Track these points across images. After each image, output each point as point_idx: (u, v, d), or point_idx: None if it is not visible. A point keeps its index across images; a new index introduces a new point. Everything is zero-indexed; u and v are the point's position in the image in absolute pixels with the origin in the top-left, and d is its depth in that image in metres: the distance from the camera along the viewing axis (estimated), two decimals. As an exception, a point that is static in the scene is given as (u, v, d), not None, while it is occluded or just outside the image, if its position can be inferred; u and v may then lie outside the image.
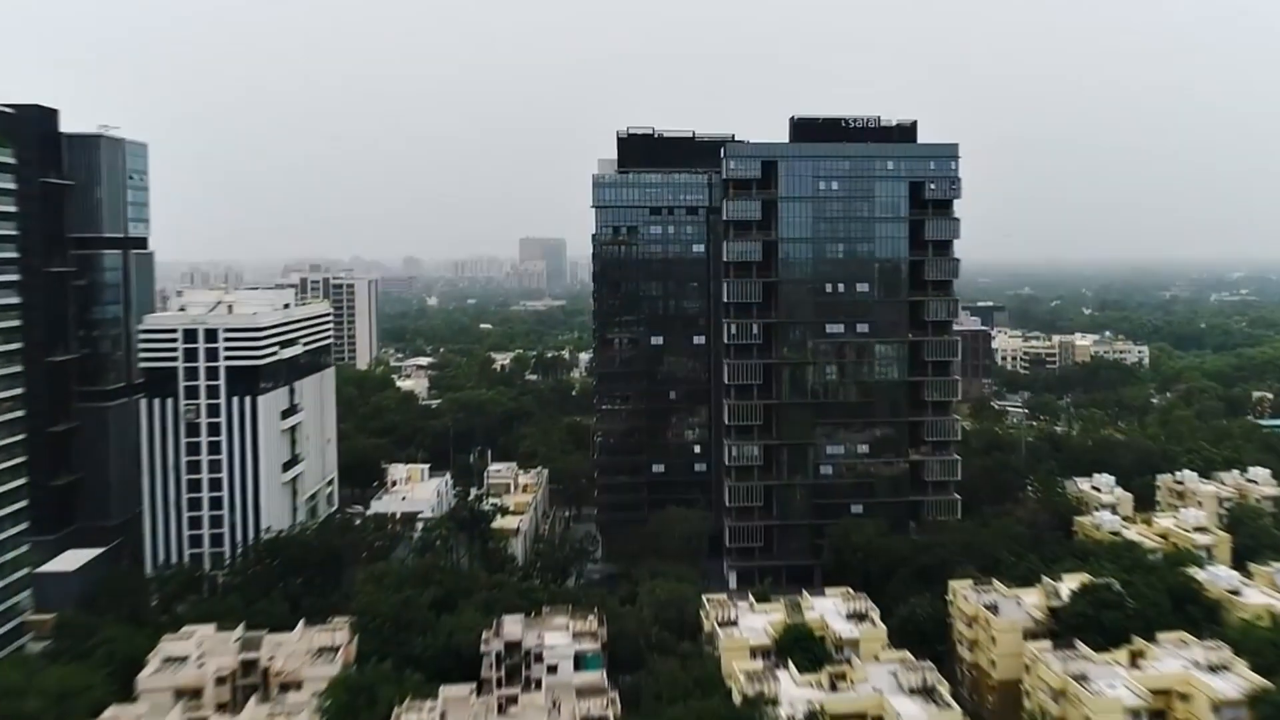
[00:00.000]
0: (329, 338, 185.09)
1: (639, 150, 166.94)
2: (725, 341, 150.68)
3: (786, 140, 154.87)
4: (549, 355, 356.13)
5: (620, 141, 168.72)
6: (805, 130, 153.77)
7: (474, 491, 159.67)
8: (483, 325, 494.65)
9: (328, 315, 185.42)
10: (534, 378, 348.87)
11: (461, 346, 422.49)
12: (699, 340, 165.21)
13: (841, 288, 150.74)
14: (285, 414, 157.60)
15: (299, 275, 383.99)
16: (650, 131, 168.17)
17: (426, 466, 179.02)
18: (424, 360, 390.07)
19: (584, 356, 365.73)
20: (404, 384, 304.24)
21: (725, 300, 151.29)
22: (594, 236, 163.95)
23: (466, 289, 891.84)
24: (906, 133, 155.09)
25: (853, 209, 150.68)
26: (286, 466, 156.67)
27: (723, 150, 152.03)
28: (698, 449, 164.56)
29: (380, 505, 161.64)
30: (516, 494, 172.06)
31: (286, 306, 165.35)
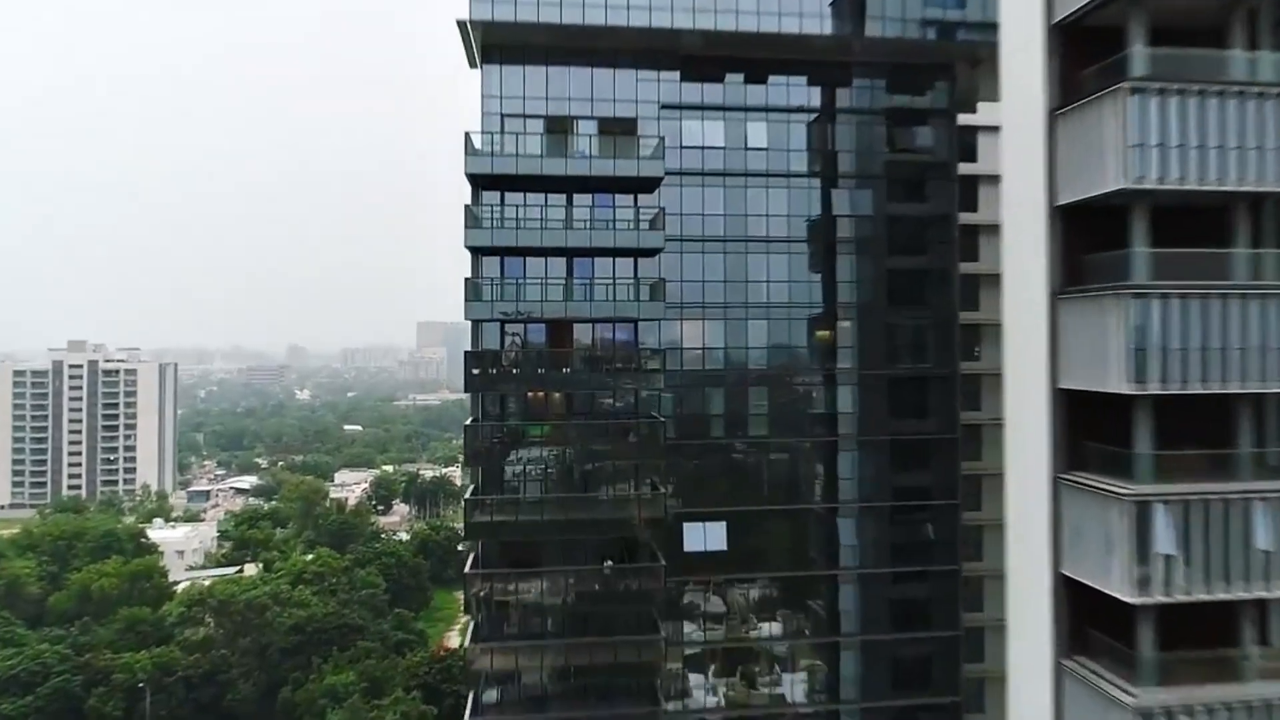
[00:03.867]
0: None
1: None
2: None
3: None
4: (427, 476, 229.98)
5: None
6: None
7: None
8: (349, 427, 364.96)
9: None
10: (405, 509, 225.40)
11: (312, 458, 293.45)
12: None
13: None
14: None
15: (53, 358, 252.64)
16: None
17: None
18: (246, 482, 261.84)
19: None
20: (166, 536, 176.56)
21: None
22: (470, 157, 43.75)
23: (351, 380, 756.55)
24: None
25: None
26: None
27: None
28: None
29: None
30: None
31: None
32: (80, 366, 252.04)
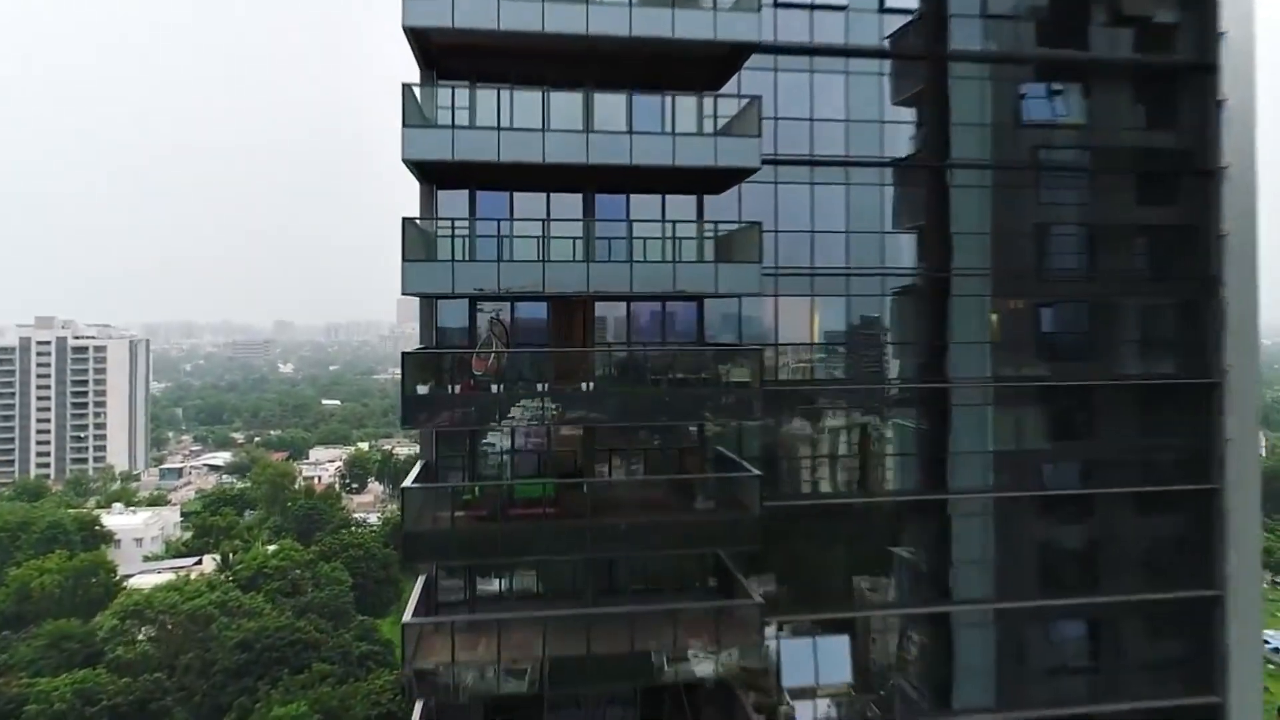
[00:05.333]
0: None
1: None
2: None
3: None
4: (402, 455, 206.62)
5: None
6: None
7: None
8: (327, 401, 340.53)
9: None
10: (379, 488, 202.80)
11: (289, 434, 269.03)
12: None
13: None
14: None
15: (21, 334, 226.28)
16: None
17: None
18: (220, 459, 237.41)
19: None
20: (125, 522, 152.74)
21: None
22: None
23: (334, 354, 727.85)
24: None
25: None
26: None
27: None
28: None
29: None
30: None
31: None
32: (49, 343, 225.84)
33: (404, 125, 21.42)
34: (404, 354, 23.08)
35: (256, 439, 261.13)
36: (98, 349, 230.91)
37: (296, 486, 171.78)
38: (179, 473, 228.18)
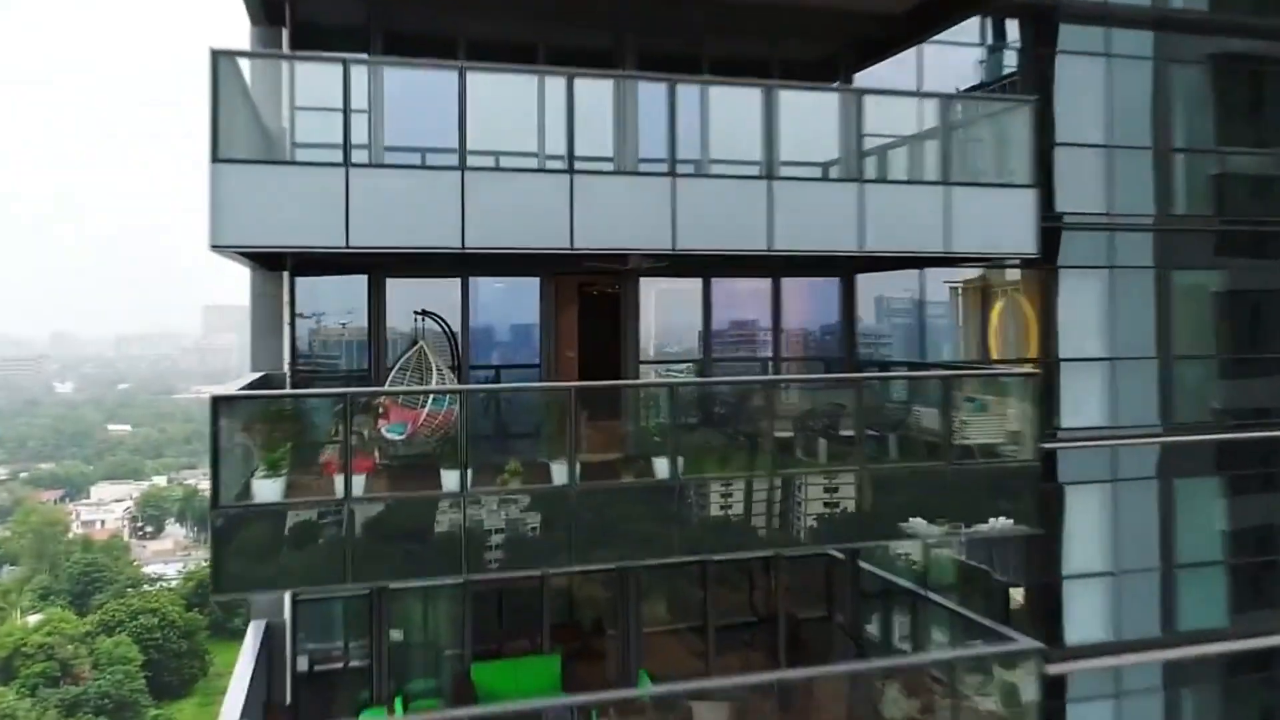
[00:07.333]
0: None
1: None
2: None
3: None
4: (207, 491, 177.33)
5: None
6: None
7: None
8: (115, 427, 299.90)
9: None
10: (180, 533, 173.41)
11: (64, 468, 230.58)
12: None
13: None
14: None
15: None
16: None
17: None
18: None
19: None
20: None
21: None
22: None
23: (125, 371, 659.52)
24: None
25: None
26: None
27: None
28: None
29: None
30: None
31: None
32: None
33: None
34: (216, 399, 9.26)
35: (23, 474, 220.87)
36: None
37: (71, 535, 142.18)
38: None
